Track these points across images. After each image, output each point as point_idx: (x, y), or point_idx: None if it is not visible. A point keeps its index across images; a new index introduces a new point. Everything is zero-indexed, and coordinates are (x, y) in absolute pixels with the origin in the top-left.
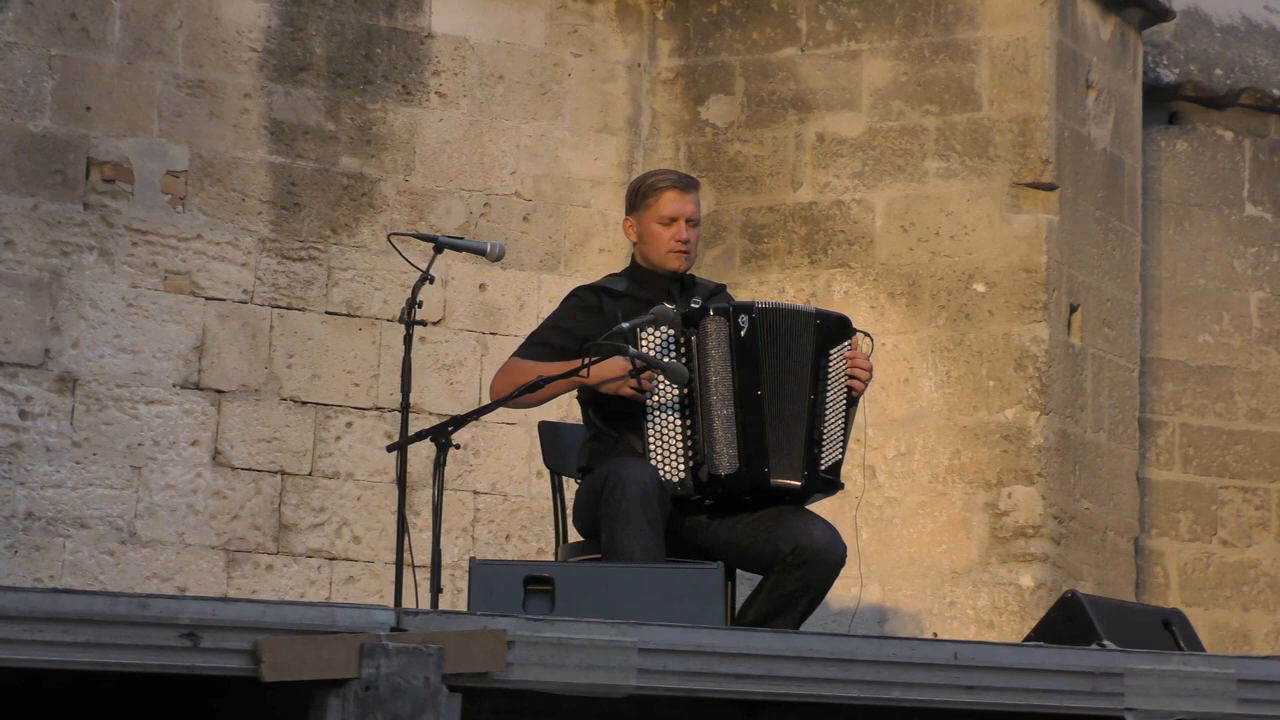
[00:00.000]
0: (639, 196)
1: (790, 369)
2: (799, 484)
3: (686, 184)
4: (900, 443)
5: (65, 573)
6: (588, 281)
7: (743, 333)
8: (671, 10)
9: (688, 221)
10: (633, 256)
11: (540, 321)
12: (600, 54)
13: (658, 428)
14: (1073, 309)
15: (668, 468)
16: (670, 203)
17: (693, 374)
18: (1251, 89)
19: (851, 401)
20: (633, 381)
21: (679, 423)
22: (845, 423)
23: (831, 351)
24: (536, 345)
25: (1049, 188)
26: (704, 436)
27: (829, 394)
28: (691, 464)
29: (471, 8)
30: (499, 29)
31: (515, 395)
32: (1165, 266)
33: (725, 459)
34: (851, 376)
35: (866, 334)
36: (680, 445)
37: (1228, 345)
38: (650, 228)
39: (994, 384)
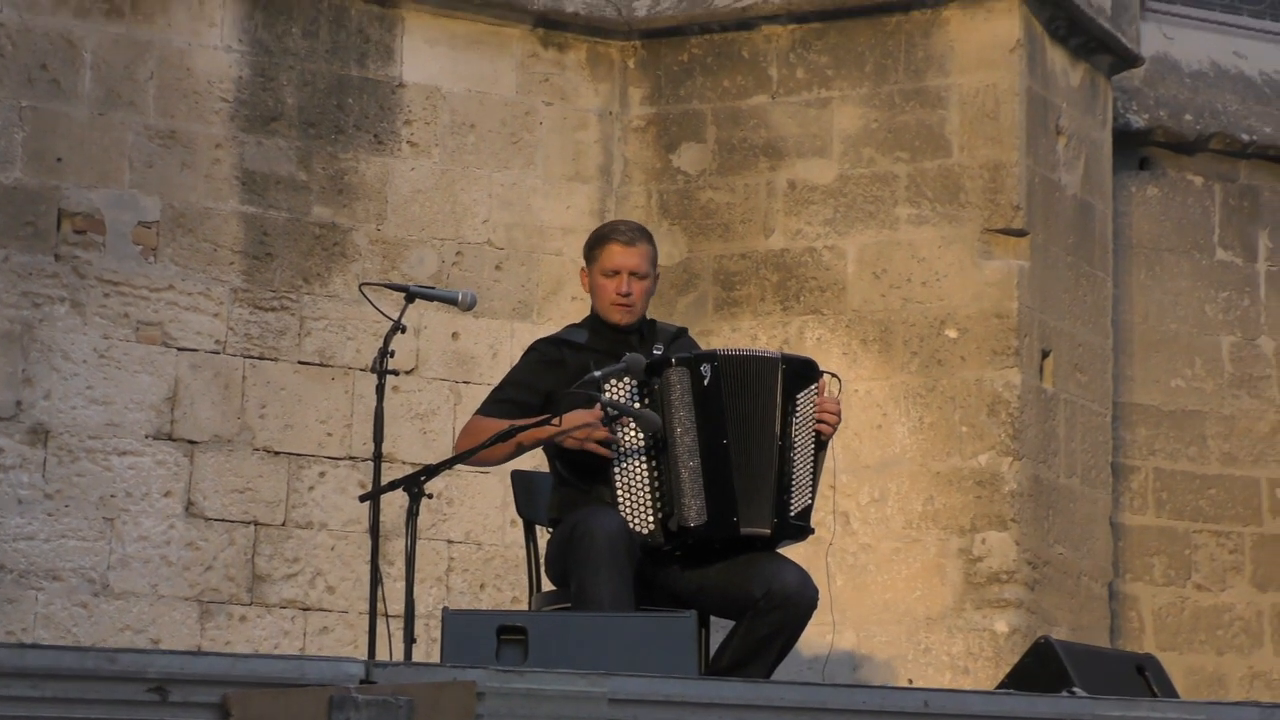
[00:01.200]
0: (588, 249)
1: (757, 415)
2: (769, 532)
3: (632, 237)
4: (874, 489)
5: (38, 625)
6: (560, 330)
7: (705, 381)
8: (642, 58)
9: (631, 274)
10: (592, 308)
11: (504, 376)
12: (572, 102)
13: (626, 479)
14: (1045, 354)
15: (637, 519)
16: (613, 256)
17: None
18: (1221, 134)
19: (820, 445)
20: (601, 432)
21: (646, 474)
22: (814, 467)
23: (799, 396)
24: (499, 402)
25: (1020, 233)
26: (672, 488)
27: (797, 439)
28: (660, 515)
29: (443, 57)
30: (470, 78)
31: (488, 444)
32: (1137, 311)
33: (693, 510)
34: (819, 420)
35: (834, 375)
36: (648, 497)
37: (1200, 390)
38: (596, 280)
39: (967, 429)
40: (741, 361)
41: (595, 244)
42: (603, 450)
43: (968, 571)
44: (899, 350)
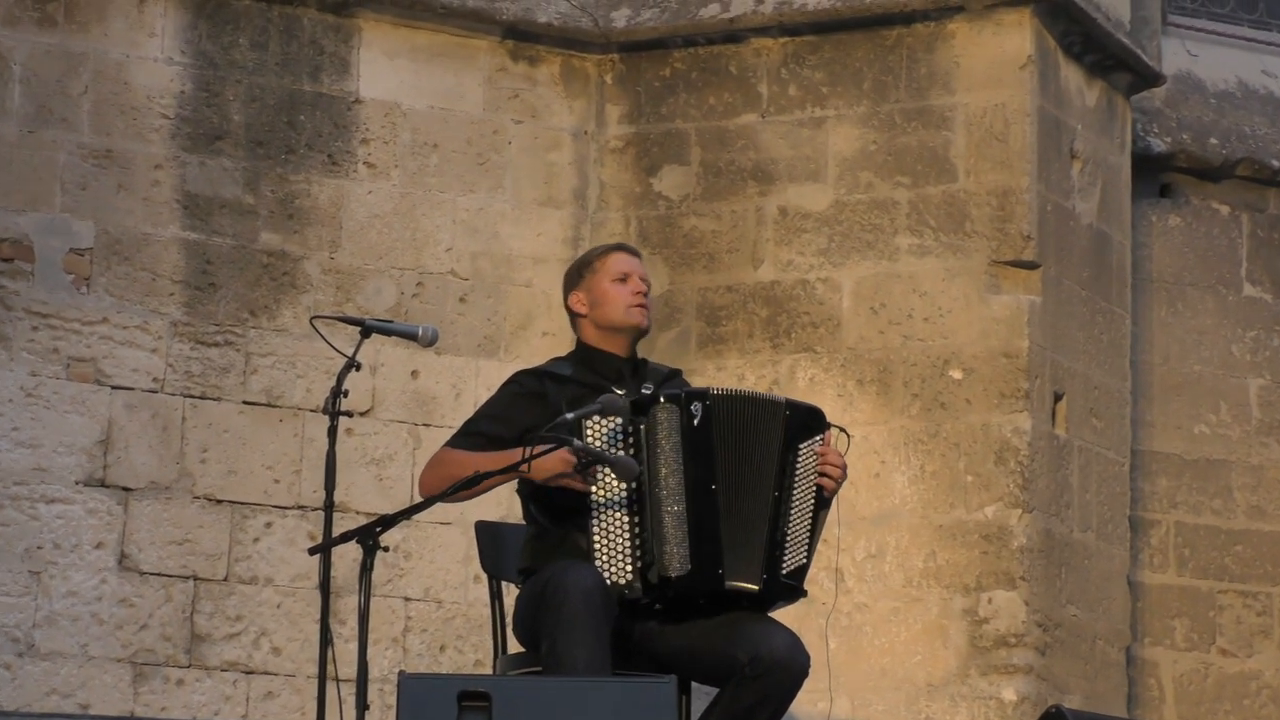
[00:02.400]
0: (583, 268)
1: (752, 462)
2: (756, 588)
3: (633, 250)
4: (870, 543)
5: None
6: (544, 362)
7: (695, 421)
8: (621, 74)
9: (641, 279)
10: (578, 340)
11: (479, 406)
12: (543, 121)
13: (603, 525)
14: (1057, 398)
15: (614, 569)
16: (621, 262)
17: (642, 466)
18: (1249, 159)
19: (822, 502)
20: (574, 482)
21: (626, 520)
22: (813, 524)
23: (801, 445)
24: (471, 435)
25: (1031, 266)
26: (653, 535)
27: (795, 492)
28: (640, 565)
29: (403, 71)
30: (433, 94)
31: (449, 493)
32: (1157, 351)
33: (676, 559)
34: (822, 474)
35: (842, 429)
36: (627, 544)
37: (1225, 437)
38: (603, 289)
39: (972, 479)
40: (737, 402)
41: (595, 257)
42: (580, 485)
43: (973, 634)
44: (899, 392)
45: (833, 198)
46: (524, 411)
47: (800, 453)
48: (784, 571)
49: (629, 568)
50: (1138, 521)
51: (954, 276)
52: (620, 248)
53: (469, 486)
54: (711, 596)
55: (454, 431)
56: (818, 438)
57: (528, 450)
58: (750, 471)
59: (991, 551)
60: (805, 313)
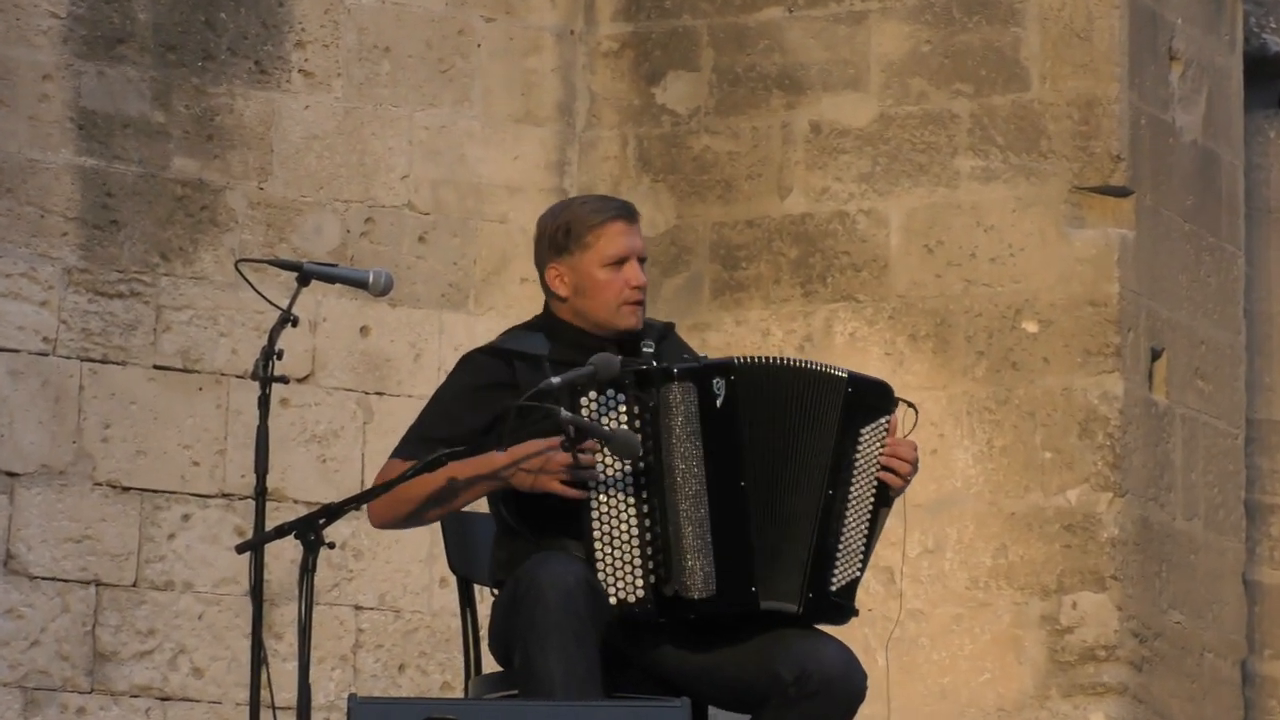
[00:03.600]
0: (568, 235)
1: (796, 451)
2: (795, 608)
3: (630, 212)
4: (927, 536)
5: None
6: (505, 326)
7: (718, 402)
8: None
9: (640, 260)
10: (547, 305)
11: (427, 403)
12: (520, 18)
13: (606, 528)
14: (1155, 355)
15: (621, 581)
16: (617, 238)
17: (650, 456)
18: None
19: (883, 500)
20: (560, 456)
21: (634, 522)
22: (870, 530)
23: (863, 431)
24: (423, 441)
25: (1122, 193)
26: (669, 541)
27: (854, 489)
28: (652, 580)
29: None
30: None
31: (407, 477)
32: (1277, 298)
33: (697, 577)
34: (886, 468)
35: (911, 404)
36: (636, 554)
37: None
38: (592, 276)
39: (1051, 456)
40: (774, 375)
41: (583, 228)
42: (567, 490)
43: (1053, 647)
44: (960, 350)
45: (877, 110)
46: (487, 406)
47: (862, 440)
48: (833, 589)
49: (638, 580)
50: (1255, 507)
51: (1027, 207)
52: (618, 213)
53: (430, 469)
54: (742, 617)
55: (405, 434)
56: (883, 420)
57: (509, 417)
58: (794, 462)
59: (1075, 545)
60: (844, 252)
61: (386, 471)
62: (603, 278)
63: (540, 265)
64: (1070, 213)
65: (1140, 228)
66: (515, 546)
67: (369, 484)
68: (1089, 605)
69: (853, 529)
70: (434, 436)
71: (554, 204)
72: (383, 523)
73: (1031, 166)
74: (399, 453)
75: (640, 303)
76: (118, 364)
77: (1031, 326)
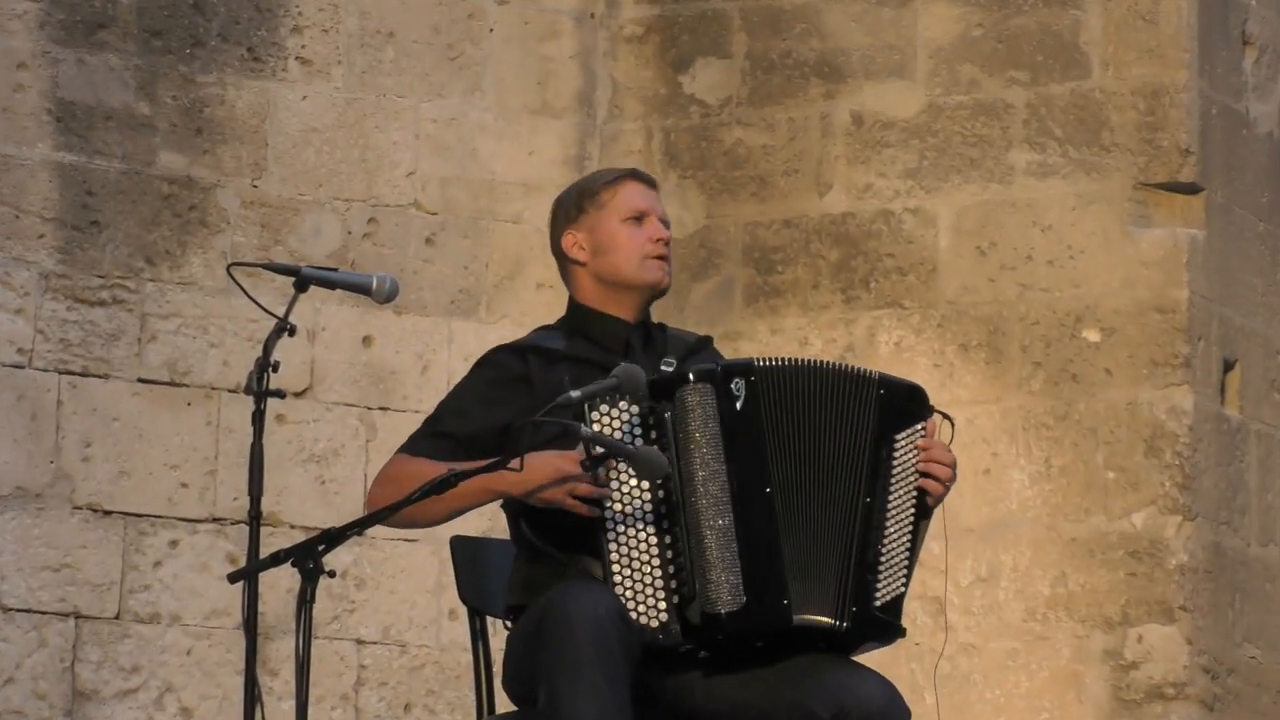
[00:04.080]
0: (582, 199)
1: (825, 457)
2: (835, 622)
3: (648, 178)
4: (979, 563)
5: None
6: (519, 335)
7: (738, 404)
8: None
9: (661, 222)
10: (571, 299)
11: (441, 399)
12: (535, 0)
13: (624, 549)
14: (1228, 366)
15: (642, 606)
16: (634, 193)
17: (671, 468)
18: None
19: (923, 511)
20: (584, 486)
21: (654, 539)
22: (912, 541)
23: (899, 437)
24: (435, 437)
25: (1191, 190)
26: (691, 559)
27: (892, 497)
28: (676, 600)
29: None
30: None
31: (411, 501)
32: None
33: (723, 590)
34: (924, 474)
35: (946, 415)
36: (658, 573)
37: None
38: (611, 231)
39: (1114, 476)
40: (796, 376)
41: (599, 186)
42: (579, 507)
43: (1117, 684)
44: (1015, 361)
45: (924, 100)
46: (505, 404)
47: (898, 446)
48: (877, 604)
49: (661, 604)
50: None
51: (1087, 205)
52: (633, 174)
53: (439, 491)
54: (777, 637)
55: (412, 432)
56: (919, 426)
57: (527, 433)
58: (823, 469)
59: (1141, 573)
60: (889, 255)
61: (392, 468)
62: (623, 232)
63: (556, 242)
64: (1135, 211)
65: (1211, 227)
66: (533, 569)
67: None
68: (1156, 639)
69: (894, 540)
70: (448, 431)
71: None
72: (390, 523)
73: (1092, 161)
74: (407, 448)
75: (665, 258)
76: (99, 377)
77: (1093, 335)
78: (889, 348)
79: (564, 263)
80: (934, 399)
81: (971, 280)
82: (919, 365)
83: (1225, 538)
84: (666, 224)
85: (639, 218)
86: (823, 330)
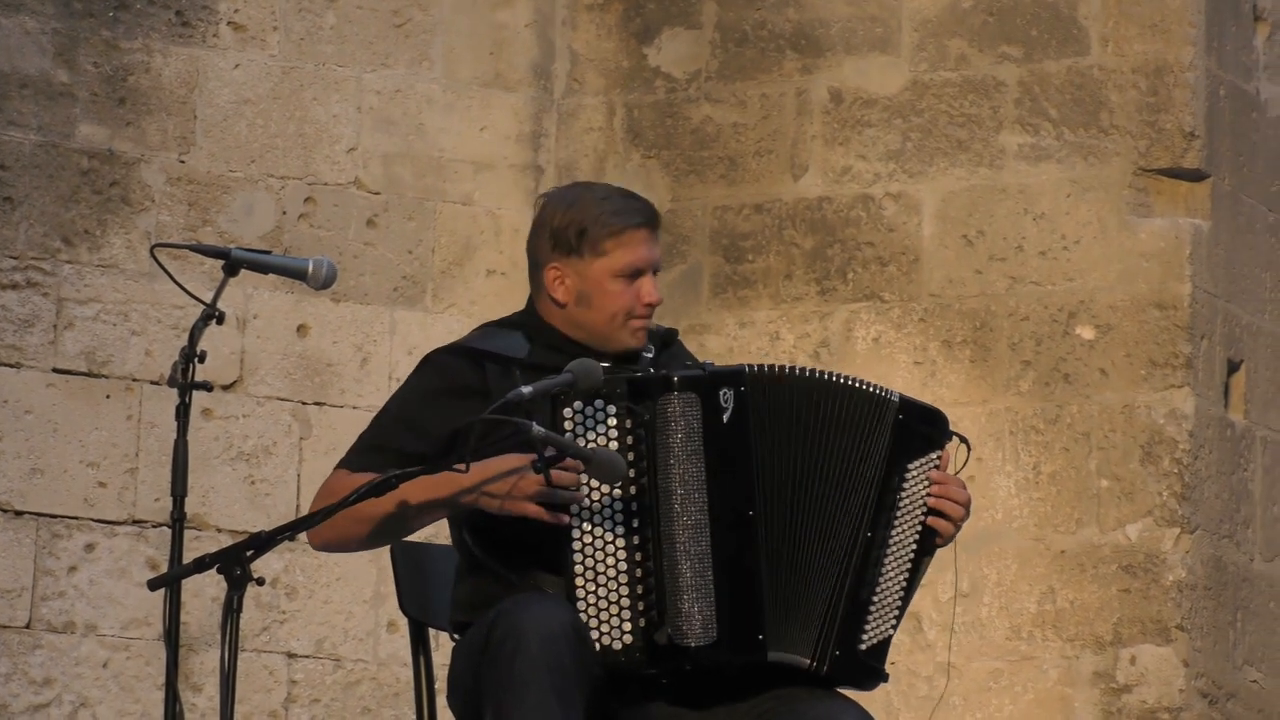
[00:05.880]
0: (581, 237)
1: (824, 482)
2: (810, 662)
3: (655, 218)
4: (961, 578)
5: None
6: (468, 326)
7: (725, 416)
8: None
9: (655, 272)
10: (534, 309)
11: (384, 404)
12: None
13: (590, 561)
14: (1233, 367)
15: (606, 626)
16: (638, 248)
17: (644, 479)
18: None
19: (925, 548)
20: (530, 485)
21: (623, 555)
22: (909, 582)
23: (911, 466)
24: (375, 451)
25: (1196, 176)
26: (664, 580)
27: (895, 534)
28: (642, 623)
29: None
30: None
31: (349, 503)
32: None
33: (695, 621)
34: (933, 511)
35: (963, 439)
36: (624, 591)
37: None
38: (600, 285)
39: (1108, 485)
40: (799, 390)
41: (602, 232)
42: (543, 514)
43: (1108, 708)
44: (1003, 359)
45: (909, 77)
46: (452, 415)
47: (909, 477)
48: (863, 647)
49: (625, 624)
50: None
51: (1084, 192)
52: (643, 220)
53: (378, 493)
54: (749, 671)
55: (353, 441)
56: (934, 455)
57: (472, 432)
58: (819, 495)
59: (1136, 589)
60: (868, 243)
61: (331, 484)
62: (613, 290)
63: (537, 259)
64: (1134, 199)
65: (1217, 217)
66: (480, 583)
67: (305, 508)
68: (1150, 660)
69: (890, 579)
70: (389, 446)
71: (564, 188)
72: (324, 543)
73: (1090, 144)
74: (347, 462)
75: (648, 319)
76: (10, 366)
77: (1087, 333)
78: (867, 344)
79: (538, 282)
80: (921, 399)
81: (957, 272)
82: (899, 363)
83: (1227, 552)
84: (657, 269)
85: (634, 274)
86: (795, 324)
